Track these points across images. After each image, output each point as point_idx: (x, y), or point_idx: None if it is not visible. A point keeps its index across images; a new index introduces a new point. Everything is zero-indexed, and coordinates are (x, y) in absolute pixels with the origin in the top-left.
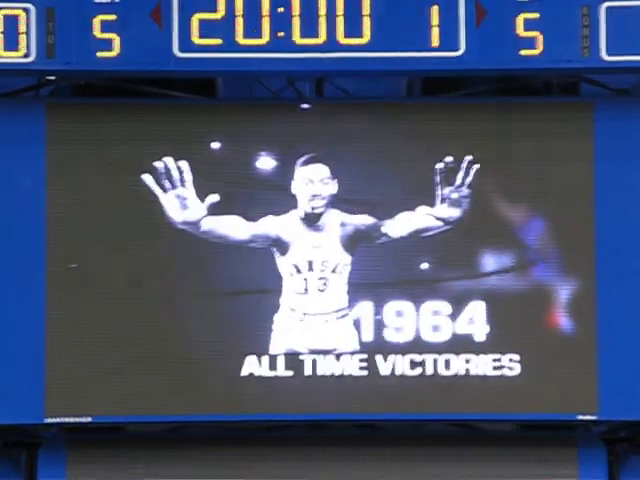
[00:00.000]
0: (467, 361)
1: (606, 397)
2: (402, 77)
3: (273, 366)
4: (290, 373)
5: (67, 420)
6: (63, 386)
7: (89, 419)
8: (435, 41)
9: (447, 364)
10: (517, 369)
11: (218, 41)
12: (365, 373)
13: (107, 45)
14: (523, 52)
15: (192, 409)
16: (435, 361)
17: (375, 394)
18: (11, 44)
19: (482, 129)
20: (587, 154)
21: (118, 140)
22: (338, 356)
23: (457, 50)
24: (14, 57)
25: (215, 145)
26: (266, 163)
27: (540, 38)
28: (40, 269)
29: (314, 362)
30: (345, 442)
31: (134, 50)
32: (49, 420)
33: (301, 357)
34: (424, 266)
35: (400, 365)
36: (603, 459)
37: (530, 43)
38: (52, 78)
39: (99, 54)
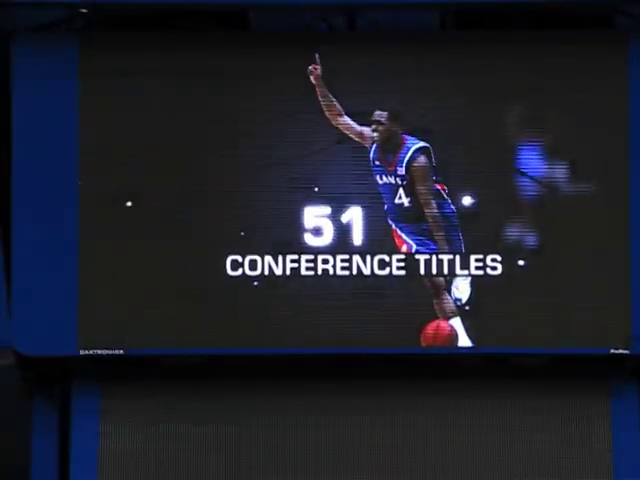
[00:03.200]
0: None
1: (639, 332)
2: (435, 11)
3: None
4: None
5: (100, 352)
6: (97, 318)
7: (122, 352)
8: None
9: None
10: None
11: None
12: None
13: None
14: None
15: (227, 342)
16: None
17: None
18: None
19: (514, 62)
20: (621, 86)
21: (152, 74)
22: None
23: None
24: None
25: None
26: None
27: None
28: (73, 204)
29: None
30: (374, 375)
31: None
32: (82, 352)
33: None
34: None
35: None
36: (634, 392)
37: None
38: (84, 11)
39: None
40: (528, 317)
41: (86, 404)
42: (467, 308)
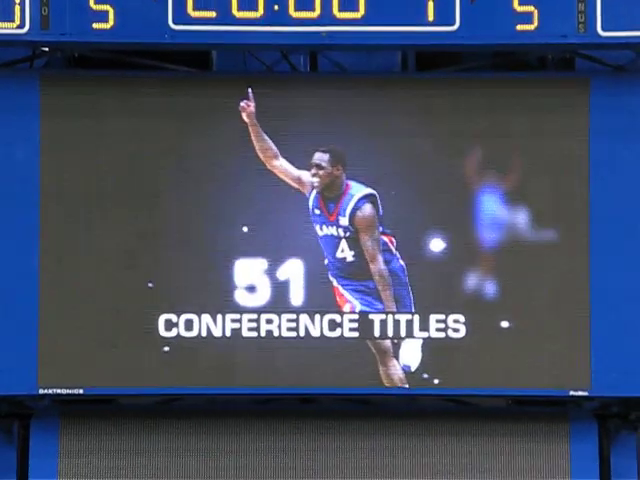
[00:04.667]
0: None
1: (598, 374)
2: (396, 51)
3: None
4: None
5: (59, 391)
6: (56, 358)
7: (81, 391)
8: (430, 15)
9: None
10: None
11: (213, 13)
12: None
13: (102, 17)
14: (519, 27)
15: (184, 382)
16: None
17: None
18: (6, 14)
19: (476, 104)
20: (582, 130)
21: (111, 112)
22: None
23: (452, 25)
24: (8, 28)
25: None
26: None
27: (536, 13)
28: (33, 242)
29: None
30: (336, 415)
31: (129, 22)
32: (42, 391)
33: None
34: None
35: None
36: (594, 434)
37: (526, 18)
38: (46, 49)
39: (94, 25)
40: (489, 366)
41: (45, 442)
42: (417, 375)
